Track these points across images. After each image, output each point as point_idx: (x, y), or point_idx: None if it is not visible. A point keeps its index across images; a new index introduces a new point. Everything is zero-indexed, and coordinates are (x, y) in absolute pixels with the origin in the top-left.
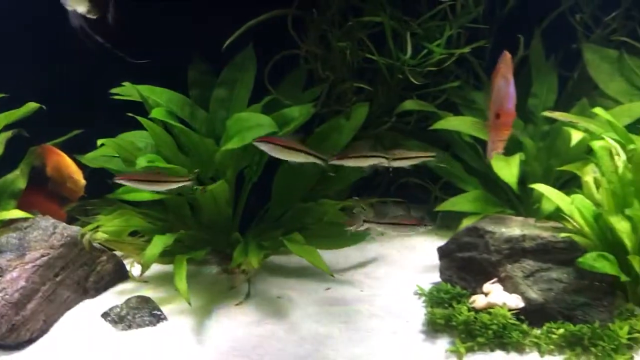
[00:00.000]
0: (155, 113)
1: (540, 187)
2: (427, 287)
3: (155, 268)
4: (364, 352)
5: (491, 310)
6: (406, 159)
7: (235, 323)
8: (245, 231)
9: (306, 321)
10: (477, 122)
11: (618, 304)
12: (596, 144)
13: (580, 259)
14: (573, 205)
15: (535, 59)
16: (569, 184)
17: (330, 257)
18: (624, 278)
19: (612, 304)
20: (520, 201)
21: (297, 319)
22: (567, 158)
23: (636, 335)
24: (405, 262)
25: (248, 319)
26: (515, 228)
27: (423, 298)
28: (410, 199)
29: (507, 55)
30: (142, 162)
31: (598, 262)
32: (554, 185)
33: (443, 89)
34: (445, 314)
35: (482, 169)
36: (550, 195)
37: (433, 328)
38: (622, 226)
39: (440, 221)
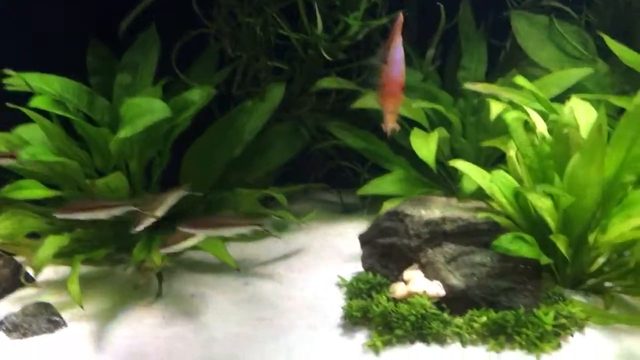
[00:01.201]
0: (36, 102)
1: (459, 164)
2: (350, 277)
3: (62, 270)
4: (277, 350)
5: (410, 299)
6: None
7: (141, 325)
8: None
9: (218, 320)
10: None
11: (546, 288)
12: (509, 116)
13: (494, 242)
14: (493, 183)
15: (465, 28)
16: (503, 161)
17: (252, 250)
18: (544, 260)
19: (538, 287)
20: (452, 180)
21: (209, 318)
22: (495, 133)
23: (563, 321)
24: (331, 252)
25: (155, 321)
26: (435, 210)
27: (344, 289)
28: (344, 184)
29: (400, 17)
30: (23, 155)
31: (514, 245)
32: (486, 163)
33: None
34: (362, 306)
35: (410, 148)
36: (471, 172)
37: (351, 321)
38: (542, 203)
39: (369, 206)
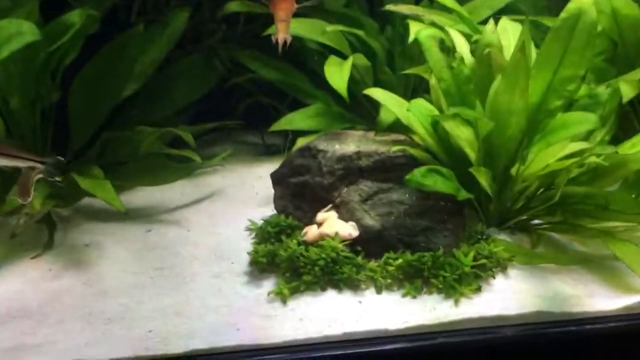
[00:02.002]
0: None
1: (375, 93)
2: (263, 220)
3: None
4: (175, 302)
5: (322, 242)
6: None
7: (24, 280)
8: None
9: (114, 270)
10: (319, 23)
11: (469, 227)
12: (421, 34)
13: (407, 177)
14: (411, 112)
15: None
16: None
17: (162, 194)
18: (462, 195)
19: (459, 226)
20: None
21: (103, 269)
22: (422, 60)
23: (484, 261)
24: (247, 195)
25: (41, 274)
26: (350, 144)
27: (255, 234)
28: (266, 123)
29: None
30: None
31: (428, 179)
32: (414, 95)
33: None
34: (269, 251)
35: None
36: (387, 102)
37: (258, 268)
38: (461, 132)
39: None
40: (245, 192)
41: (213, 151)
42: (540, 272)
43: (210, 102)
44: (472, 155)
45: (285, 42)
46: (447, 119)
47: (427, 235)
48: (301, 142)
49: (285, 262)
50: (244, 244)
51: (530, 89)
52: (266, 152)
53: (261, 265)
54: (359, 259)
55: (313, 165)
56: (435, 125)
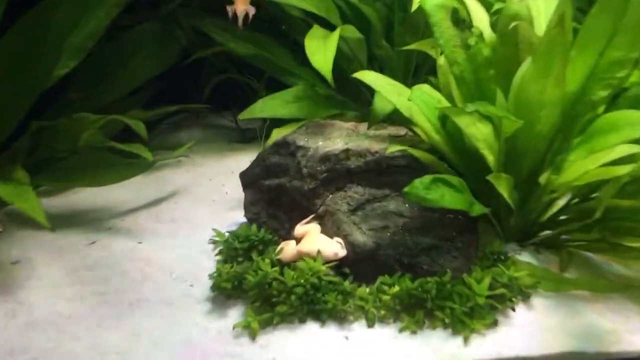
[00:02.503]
0: None
1: (366, 77)
2: (231, 229)
3: None
4: (119, 338)
5: (300, 264)
6: None
7: None
8: None
9: (45, 295)
10: None
11: (483, 244)
12: (428, 2)
13: (406, 189)
14: (413, 101)
15: None
16: None
17: (111, 195)
18: (476, 211)
19: (471, 244)
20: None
21: (32, 294)
22: (428, 32)
23: (502, 290)
24: (215, 195)
25: None
26: (337, 140)
27: (219, 248)
28: (241, 105)
29: None
30: None
31: (432, 192)
32: (417, 75)
33: None
34: (235, 274)
35: None
36: (383, 88)
37: (223, 294)
38: (477, 130)
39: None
40: (213, 191)
41: (178, 138)
42: (571, 301)
43: (173, 80)
44: (490, 159)
45: (246, 15)
46: (461, 114)
47: (431, 256)
48: (277, 134)
49: (254, 288)
50: (207, 263)
51: (568, 75)
52: (241, 138)
53: (226, 291)
54: (347, 284)
55: (291, 166)
56: (443, 119)
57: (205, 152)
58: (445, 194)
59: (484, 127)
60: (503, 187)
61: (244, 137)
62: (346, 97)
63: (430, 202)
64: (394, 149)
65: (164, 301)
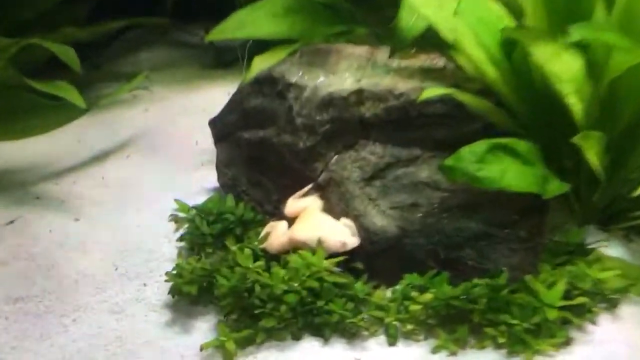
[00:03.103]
0: None
1: None
2: (200, 199)
3: None
4: None
5: (291, 257)
6: None
7: None
8: None
9: None
10: None
11: (553, 229)
12: None
13: (447, 162)
14: (459, 17)
15: None
16: None
17: (49, 146)
18: (552, 191)
19: (538, 232)
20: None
21: None
22: None
23: (581, 300)
24: (182, 145)
25: None
26: (345, 75)
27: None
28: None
29: None
30: None
31: (488, 167)
32: None
33: None
34: (201, 273)
35: None
36: None
37: (185, 300)
38: (563, 66)
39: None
40: (179, 139)
41: (136, 62)
42: None
43: None
44: (577, 109)
45: None
46: (540, 40)
47: (479, 248)
48: (259, 64)
49: (228, 296)
50: (167, 249)
51: None
52: (218, 61)
53: (188, 297)
54: (359, 286)
55: (280, 112)
56: (508, 46)
57: (169, 82)
58: (507, 170)
59: (574, 61)
60: (592, 150)
61: (221, 59)
62: (358, 7)
63: (485, 183)
64: (431, 92)
65: (107, 309)
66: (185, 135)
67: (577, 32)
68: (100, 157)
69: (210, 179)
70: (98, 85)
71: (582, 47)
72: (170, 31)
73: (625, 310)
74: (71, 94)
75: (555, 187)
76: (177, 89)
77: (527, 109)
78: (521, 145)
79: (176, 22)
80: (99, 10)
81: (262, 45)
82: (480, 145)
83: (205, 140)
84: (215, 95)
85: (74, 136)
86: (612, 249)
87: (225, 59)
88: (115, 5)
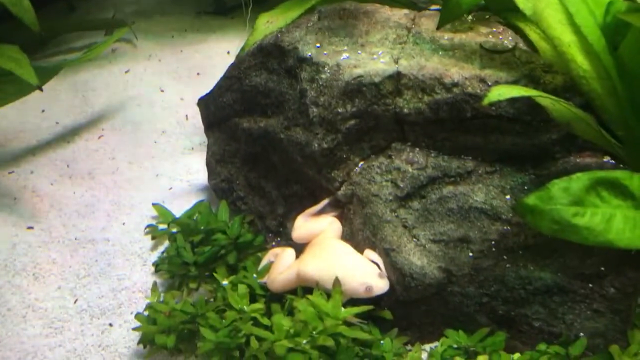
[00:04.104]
0: None
1: None
2: (186, 202)
3: None
4: None
5: (298, 303)
6: None
7: None
8: None
9: None
10: None
11: None
12: None
13: (526, 200)
14: None
15: None
16: None
17: (10, 116)
18: None
19: (633, 289)
20: None
21: None
22: None
23: None
24: (168, 120)
25: None
26: (378, 50)
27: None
28: None
29: None
30: None
31: (589, 212)
32: None
33: None
34: (179, 319)
35: None
36: None
37: (159, 350)
38: None
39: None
40: (164, 112)
41: (119, 4)
42: None
43: None
44: None
45: None
46: None
47: (550, 306)
48: (263, 25)
49: (214, 355)
50: (140, 275)
51: None
52: (217, 6)
53: (165, 350)
54: (387, 343)
55: (289, 96)
56: (615, 32)
57: (158, 34)
58: (614, 217)
59: None
60: None
61: (221, 5)
62: None
63: (584, 235)
64: (503, 93)
65: (61, 359)
66: (174, 108)
67: None
68: (66, 137)
69: (201, 170)
70: (70, 35)
71: None
72: None
73: None
74: (21, 66)
75: None
76: (167, 42)
77: (632, 118)
78: (635, 181)
79: None
80: None
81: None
82: (579, 181)
83: (199, 114)
84: (214, 53)
85: (38, 105)
86: None
87: (227, 3)
88: None
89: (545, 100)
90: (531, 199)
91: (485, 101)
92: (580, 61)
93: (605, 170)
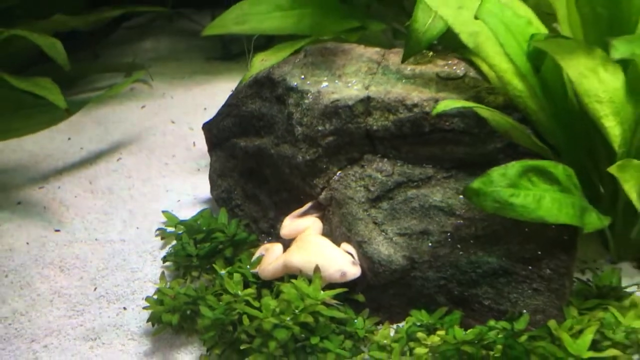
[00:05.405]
0: None
1: None
2: (192, 212)
3: None
4: None
5: (284, 287)
6: None
7: None
8: None
9: None
10: None
11: (583, 265)
12: None
13: (473, 185)
14: (482, 18)
15: None
16: None
17: (37, 145)
18: (592, 225)
19: (565, 271)
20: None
21: None
22: None
23: (612, 352)
24: (178, 147)
25: None
26: (352, 80)
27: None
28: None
29: None
30: None
31: (523, 193)
32: None
33: None
34: (183, 300)
35: None
36: None
37: (169, 330)
38: (599, 85)
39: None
40: (175, 140)
41: (139, 51)
42: None
43: None
44: (615, 133)
45: None
46: (575, 53)
47: (498, 287)
48: (259, 63)
49: (211, 329)
50: (150, 269)
51: None
52: (224, 53)
53: (171, 328)
54: (359, 322)
55: (278, 119)
56: (537, 56)
57: (171, 76)
58: (544, 198)
59: (613, 78)
60: (632, 182)
61: (228, 51)
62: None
63: (518, 212)
64: (451, 104)
65: (82, 335)
66: (183, 136)
67: (622, 47)
68: (89, 159)
69: (205, 187)
70: (95, 77)
71: (622, 63)
72: (176, 20)
73: None
74: (52, 93)
75: (595, 221)
76: (179, 83)
77: (557, 129)
78: (558, 169)
79: (182, 10)
80: None
81: (270, 38)
82: (513, 168)
83: (205, 142)
84: (219, 91)
85: (65, 134)
86: None
87: (232, 50)
88: None
89: (485, 112)
90: (476, 184)
91: (434, 112)
92: (515, 83)
93: (535, 160)
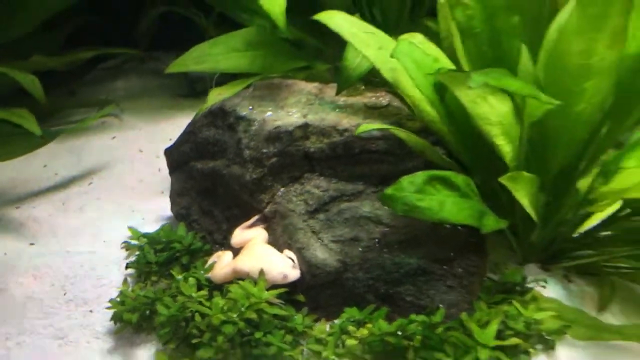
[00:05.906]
0: None
1: (331, 19)
2: (155, 228)
3: None
4: None
5: (232, 288)
6: None
7: None
8: None
9: None
10: None
11: (493, 267)
12: None
13: (388, 191)
14: (397, 57)
15: None
16: None
17: (17, 170)
18: (488, 226)
19: (474, 270)
20: None
21: None
22: None
23: (515, 341)
24: (145, 173)
25: None
26: (292, 110)
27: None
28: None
29: None
30: None
31: (427, 198)
32: (414, 19)
33: None
34: (142, 301)
35: None
36: (356, 38)
37: (128, 329)
38: (489, 109)
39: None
40: (142, 167)
41: (112, 89)
42: (610, 353)
43: (99, 14)
44: (506, 150)
45: None
46: (463, 85)
47: (418, 285)
48: (215, 96)
49: (166, 326)
50: (116, 277)
51: (630, 31)
52: (189, 90)
53: (131, 326)
54: (299, 318)
55: (229, 144)
56: (442, 88)
57: (141, 111)
58: (446, 201)
59: (500, 104)
60: (523, 191)
61: (193, 89)
62: (326, 43)
63: (424, 213)
64: (369, 127)
65: (51, 334)
66: (150, 163)
67: (477, 78)
68: (63, 183)
69: (168, 207)
70: (71, 111)
71: (508, 95)
72: (147, 61)
73: (562, 352)
74: (28, 122)
75: (493, 222)
76: (147, 117)
77: (463, 148)
78: (458, 178)
79: (153, 52)
80: (79, 38)
81: (230, 76)
82: (419, 177)
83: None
84: (183, 124)
85: (41, 161)
86: (551, 289)
87: (197, 88)
88: (95, 34)
89: (402, 133)
90: (389, 190)
91: (356, 132)
92: (429, 111)
93: (439, 170)
